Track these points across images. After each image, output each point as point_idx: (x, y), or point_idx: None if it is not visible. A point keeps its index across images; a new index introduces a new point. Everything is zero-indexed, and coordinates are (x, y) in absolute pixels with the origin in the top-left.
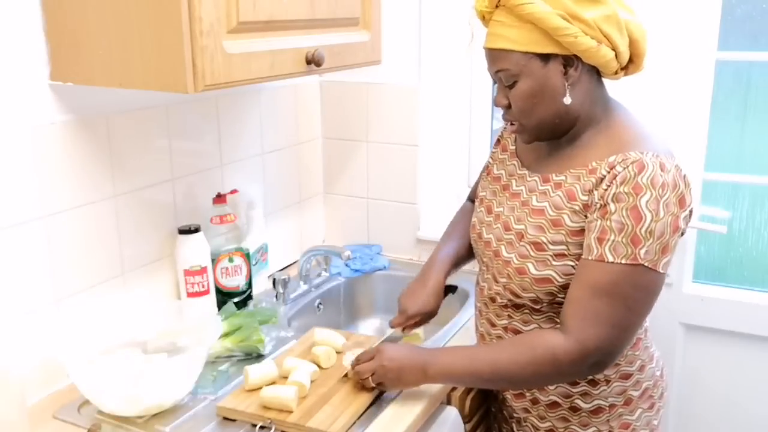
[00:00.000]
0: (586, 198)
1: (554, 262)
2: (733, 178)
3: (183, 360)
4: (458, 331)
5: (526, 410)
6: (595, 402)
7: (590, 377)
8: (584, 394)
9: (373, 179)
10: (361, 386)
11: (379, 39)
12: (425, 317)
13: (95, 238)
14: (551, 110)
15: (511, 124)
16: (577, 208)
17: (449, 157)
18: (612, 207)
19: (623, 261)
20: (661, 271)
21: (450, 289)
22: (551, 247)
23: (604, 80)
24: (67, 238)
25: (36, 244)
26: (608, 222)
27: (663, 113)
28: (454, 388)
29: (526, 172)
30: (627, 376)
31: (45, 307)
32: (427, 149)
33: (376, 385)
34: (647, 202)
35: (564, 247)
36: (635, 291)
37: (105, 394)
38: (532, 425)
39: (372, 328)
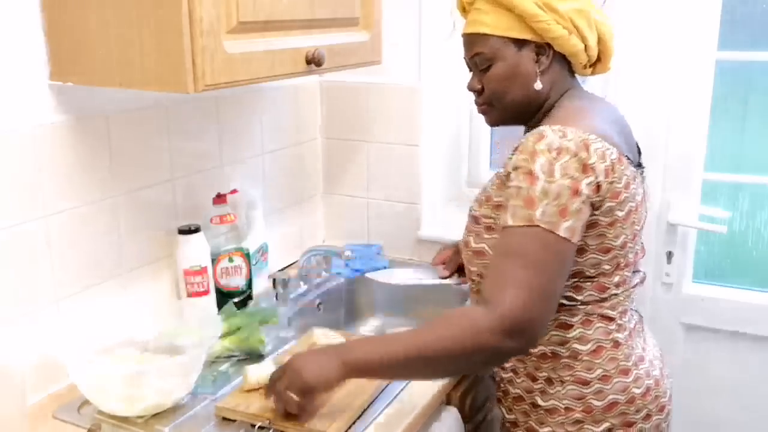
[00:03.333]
0: (503, 171)
1: (485, 235)
2: (733, 178)
3: (183, 360)
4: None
5: (500, 401)
6: (551, 402)
7: (546, 375)
8: (542, 392)
9: (373, 179)
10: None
11: (379, 39)
12: (456, 253)
13: (95, 238)
14: (522, 94)
15: (481, 105)
16: (500, 182)
17: (449, 157)
18: (513, 175)
19: (521, 223)
20: (563, 235)
21: None
22: (483, 220)
23: (601, 75)
24: (67, 238)
25: (36, 244)
26: (510, 189)
27: (663, 113)
28: (454, 387)
29: None
30: (584, 383)
31: (45, 307)
32: (428, 149)
33: (291, 393)
34: (541, 165)
35: (492, 220)
36: (538, 252)
37: (105, 394)
38: (503, 416)
39: (372, 328)
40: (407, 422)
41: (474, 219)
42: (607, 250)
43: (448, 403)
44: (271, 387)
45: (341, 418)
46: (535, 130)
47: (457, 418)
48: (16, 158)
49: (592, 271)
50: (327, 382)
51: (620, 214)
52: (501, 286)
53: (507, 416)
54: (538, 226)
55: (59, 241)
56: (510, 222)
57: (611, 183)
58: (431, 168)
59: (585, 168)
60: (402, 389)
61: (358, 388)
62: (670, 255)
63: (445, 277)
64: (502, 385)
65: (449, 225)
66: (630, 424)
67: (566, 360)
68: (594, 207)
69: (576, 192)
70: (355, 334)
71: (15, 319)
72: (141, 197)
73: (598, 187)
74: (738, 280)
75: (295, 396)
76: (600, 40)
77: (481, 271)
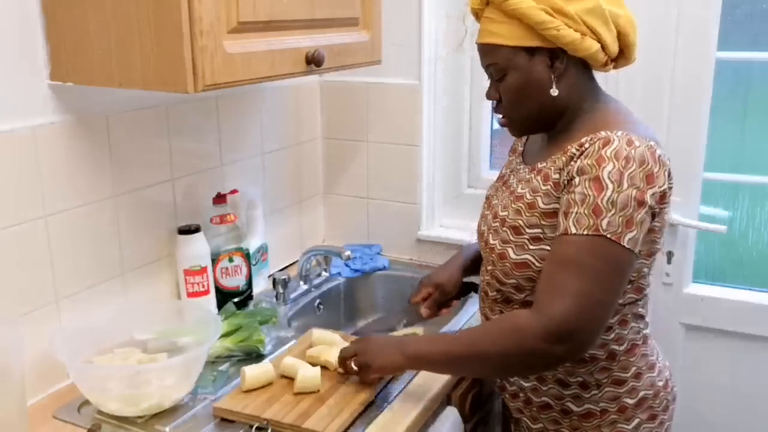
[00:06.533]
0: (557, 176)
1: (531, 246)
2: (733, 178)
3: (183, 360)
4: (458, 331)
5: (520, 411)
6: (586, 406)
7: (581, 380)
8: (575, 397)
9: (373, 179)
10: (346, 377)
11: (379, 39)
12: (441, 293)
13: (95, 238)
14: (539, 102)
15: (501, 117)
16: (549, 188)
17: (449, 157)
18: (576, 180)
19: (585, 232)
20: (626, 245)
21: (472, 287)
22: (527, 230)
23: (600, 74)
24: (67, 238)
25: (36, 244)
26: (572, 195)
27: (663, 113)
28: (454, 387)
29: (523, 165)
30: (620, 382)
31: (45, 306)
32: (428, 149)
33: (357, 368)
34: (609, 172)
35: (539, 230)
36: (599, 263)
37: (105, 394)
38: (526, 426)
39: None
40: (407, 422)
41: (513, 229)
42: (652, 254)
43: (448, 403)
44: (341, 361)
45: (338, 419)
46: (599, 135)
47: (457, 418)
48: (16, 158)
49: (635, 274)
50: (386, 368)
51: (666, 218)
52: (553, 293)
53: (532, 425)
54: (602, 236)
55: (59, 241)
56: (573, 230)
57: (669, 188)
58: (431, 168)
59: (650, 178)
60: (402, 389)
61: (358, 388)
62: (670, 255)
63: (428, 317)
64: (522, 394)
65: (449, 225)
66: (653, 417)
67: (604, 362)
68: (653, 215)
69: (642, 203)
70: (354, 335)
71: (15, 319)
72: (141, 197)
73: (662, 195)
74: (738, 280)
75: (354, 366)
76: (619, 34)
77: (520, 283)
